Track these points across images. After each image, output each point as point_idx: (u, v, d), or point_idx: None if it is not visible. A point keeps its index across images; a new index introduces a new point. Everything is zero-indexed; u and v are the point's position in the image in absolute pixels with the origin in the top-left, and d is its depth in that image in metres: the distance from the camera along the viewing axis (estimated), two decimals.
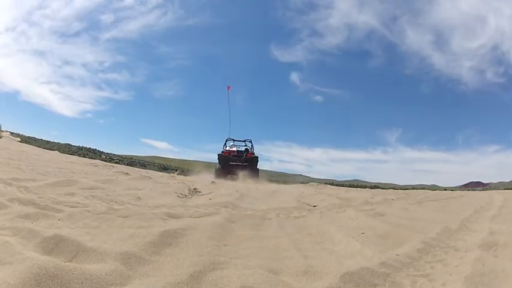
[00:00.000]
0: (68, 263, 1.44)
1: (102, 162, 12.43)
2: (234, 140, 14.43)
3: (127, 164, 16.12)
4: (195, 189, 5.72)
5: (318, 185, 11.18)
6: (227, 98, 15.05)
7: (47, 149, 15.46)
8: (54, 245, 1.67)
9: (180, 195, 4.78)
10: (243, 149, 14.00)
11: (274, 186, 9.65)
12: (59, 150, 15.33)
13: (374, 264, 1.80)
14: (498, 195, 7.37)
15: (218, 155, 13.56)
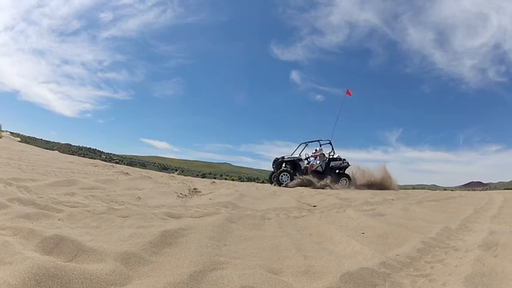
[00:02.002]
0: (68, 263, 1.44)
1: (102, 162, 12.45)
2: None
3: (127, 164, 16.15)
4: (195, 189, 5.72)
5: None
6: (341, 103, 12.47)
7: (46, 148, 15.46)
8: (54, 245, 1.67)
9: (180, 195, 4.78)
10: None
11: (273, 186, 9.64)
12: (59, 150, 15.36)
13: (374, 264, 1.80)
14: (498, 195, 7.36)
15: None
